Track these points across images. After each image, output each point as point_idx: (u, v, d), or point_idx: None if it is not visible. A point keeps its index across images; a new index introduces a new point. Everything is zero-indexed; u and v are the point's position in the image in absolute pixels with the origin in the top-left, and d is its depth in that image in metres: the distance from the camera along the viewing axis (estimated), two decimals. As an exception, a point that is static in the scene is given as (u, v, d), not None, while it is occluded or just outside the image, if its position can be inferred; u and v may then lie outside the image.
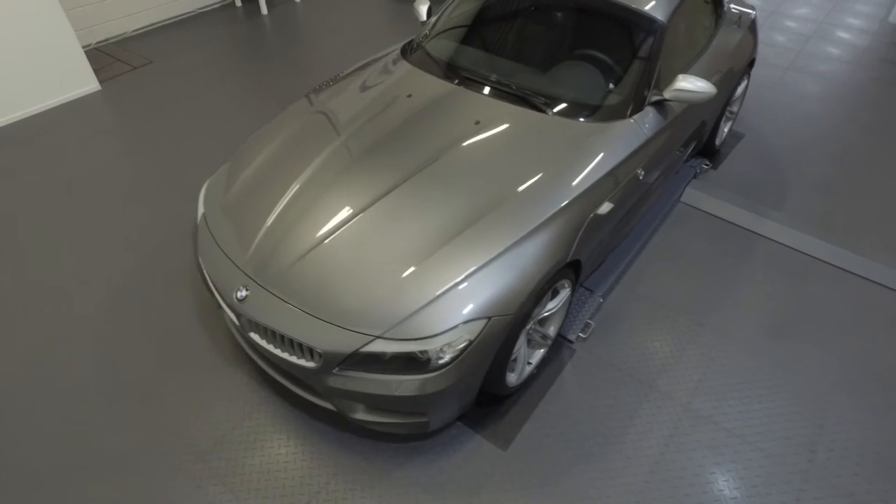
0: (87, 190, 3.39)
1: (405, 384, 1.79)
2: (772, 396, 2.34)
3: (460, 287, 1.81)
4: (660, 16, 2.54)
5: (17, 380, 2.36)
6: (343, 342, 1.78)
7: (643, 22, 2.52)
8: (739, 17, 3.31)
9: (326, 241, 1.94)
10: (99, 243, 3.02)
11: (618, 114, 2.37)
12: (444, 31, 2.88)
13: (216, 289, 2.03)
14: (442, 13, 2.98)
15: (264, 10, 5.72)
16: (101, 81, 4.47)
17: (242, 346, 2.26)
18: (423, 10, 3.12)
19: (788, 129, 4.02)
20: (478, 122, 2.31)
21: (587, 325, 2.57)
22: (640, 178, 2.40)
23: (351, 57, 4.91)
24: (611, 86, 2.45)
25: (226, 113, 4.16)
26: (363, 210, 2.01)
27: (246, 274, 1.95)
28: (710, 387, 2.38)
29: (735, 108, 3.63)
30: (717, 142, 3.60)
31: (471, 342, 1.79)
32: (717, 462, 2.12)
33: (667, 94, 2.42)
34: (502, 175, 2.10)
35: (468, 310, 1.79)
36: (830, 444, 2.18)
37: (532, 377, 2.37)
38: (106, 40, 5.13)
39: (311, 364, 1.85)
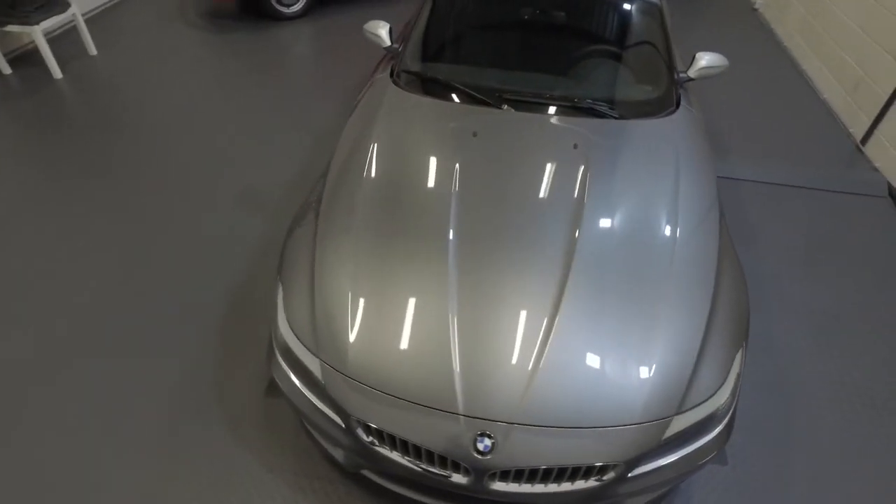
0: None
1: (707, 447, 1.58)
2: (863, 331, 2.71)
3: (712, 330, 1.64)
4: None
5: None
6: (641, 440, 1.47)
7: (646, 7, 2.55)
8: None
9: (548, 347, 1.55)
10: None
11: (670, 103, 2.36)
12: (441, 50, 2.52)
13: (433, 453, 1.50)
14: (421, 32, 2.59)
15: (58, 73, 4.30)
16: None
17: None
18: (384, 33, 2.67)
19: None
20: (576, 146, 2.07)
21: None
22: None
23: (197, 111, 4.04)
24: (651, 77, 2.43)
25: (60, 230, 3.05)
26: (560, 298, 1.63)
27: (478, 418, 1.46)
28: (821, 340, 2.61)
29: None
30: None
31: (738, 374, 1.65)
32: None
33: (692, 74, 2.50)
34: (648, 198, 1.92)
35: (730, 346, 1.65)
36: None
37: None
38: None
39: (598, 481, 1.49)
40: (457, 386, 1.50)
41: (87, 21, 4.72)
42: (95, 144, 3.65)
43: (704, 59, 2.48)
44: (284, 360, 1.73)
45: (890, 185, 3.42)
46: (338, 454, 1.80)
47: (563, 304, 1.62)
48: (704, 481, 2.00)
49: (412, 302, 1.65)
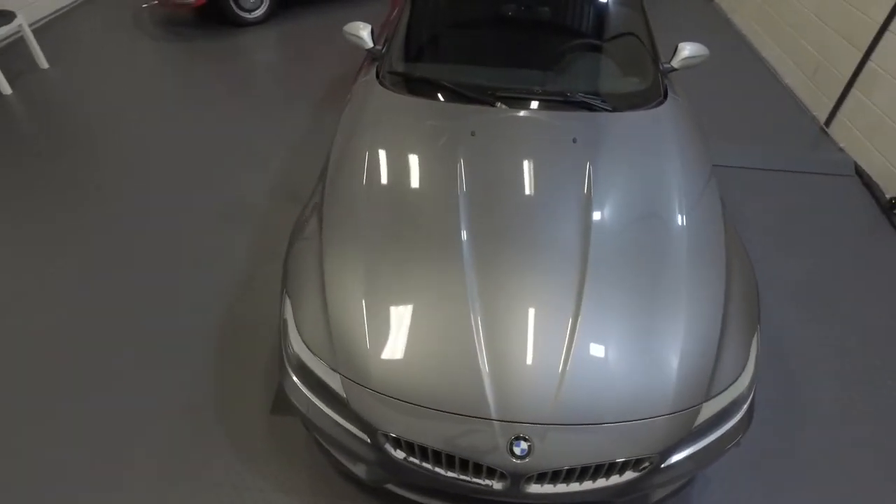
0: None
1: (733, 431, 1.60)
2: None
3: (729, 315, 1.66)
4: None
5: None
6: (675, 430, 1.47)
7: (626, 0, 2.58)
8: None
9: (574, 344, 1.53)
10: None
11: (658, 94, 2.39)
12: (428, 49, 2.49)
13: (467, 460, 1.46)
14: (405, 31, 2.54)
15: (7, 89, 4.04)
16: None
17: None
18: (365, 34, 2.61)
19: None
20: (575, 141, 2.07)
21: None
22: None
23: (161, 124, 3.88)
24: (639, 69, 2.45)
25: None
26: (581, 294, 1.62)
27: (512, 422, 1.43)
28: (809, 313, 2.70)
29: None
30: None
31: (757, 356, 1.68)
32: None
33: (675, 64, 2.54)
34: (652, 189, 1.93)
35: (746, 329, 1.67)
36: None
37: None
38: None
39: (633, 474, 1.49)
40: (487, 390, 1.46)
41: (35, 32, 4.46)
42: (55, 164, 3.44)
43: (687, 50, 2.53)
44: (299, 377, 1.66)
45: (856, 164, 3.58)
46: (359, 470, 1.73)
47: (585, 299, 1.60)
48: (719, 464, 2.03)
49: (432, 307, 1.60)
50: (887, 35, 3.47)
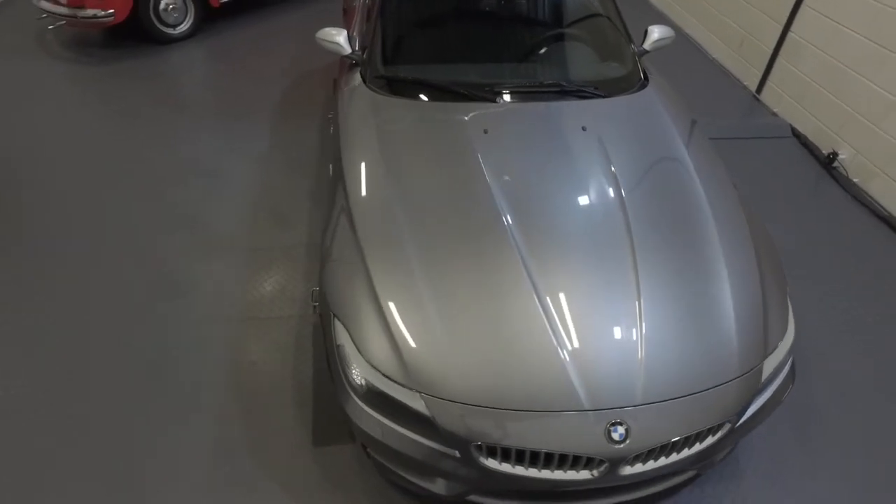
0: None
1: (785, 383, 1.73)
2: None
3: (764, 276, 1.77)
4: None
5: None
6: (746, 390, 1.56)
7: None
8: None
9: (644, 320, 1.58)
10: None
11: (639, 76, 2.50)
12: (416, 50, 2.45)
13: (566, 455, 1.45)
14: (382, 34, 2.48)
15: None
16: None
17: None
18: (341, 40, 2.50)
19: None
20: (584, 129, 2.12)
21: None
22: None
23: (91, 162, 3.56)
24: (620, 54, 2.54)
25: None
26: (637, 271, 1.68)
27: (606, 409, 1.45)
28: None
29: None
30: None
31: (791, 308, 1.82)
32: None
33: (647, 47, 2.66)
34: (668, 164, 2.02)
35: (780, 287, 1.80)
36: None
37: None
38: None
39: (713, 439, 1.56)
40: (574, 381, 1.47)
41: (-76, 68, 3.90)
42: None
43: (656, 32, 2.65)
44: (367, 403, 1.58)
45: (792, 127, 3.94)
46: (436, 486, 1.69)
47: (641, 274, 1.66)
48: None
49: (498, 303, 1.59)
50: (803, 8, 3.83)
